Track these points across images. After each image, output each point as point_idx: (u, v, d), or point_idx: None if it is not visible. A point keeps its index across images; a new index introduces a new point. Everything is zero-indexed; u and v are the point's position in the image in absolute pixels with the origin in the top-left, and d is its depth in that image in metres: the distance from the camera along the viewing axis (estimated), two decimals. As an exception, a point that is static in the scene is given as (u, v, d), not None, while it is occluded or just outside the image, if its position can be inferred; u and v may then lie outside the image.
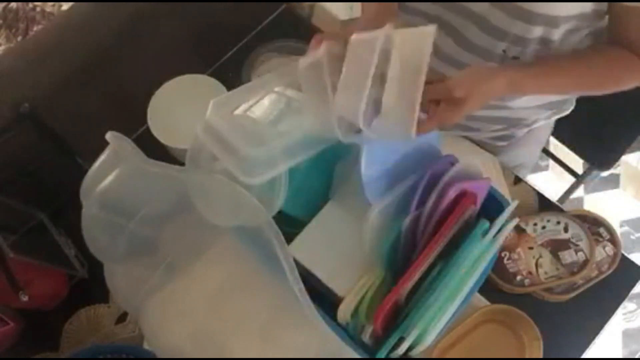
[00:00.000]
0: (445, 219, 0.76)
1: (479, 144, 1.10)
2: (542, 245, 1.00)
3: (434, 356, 0.89)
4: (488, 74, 0.74)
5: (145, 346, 0.94)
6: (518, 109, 1.00)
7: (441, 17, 0.87)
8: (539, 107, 1.02)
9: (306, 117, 0.78)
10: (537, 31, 0.80)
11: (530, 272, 0.98)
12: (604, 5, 0.78)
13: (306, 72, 0.70)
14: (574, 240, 1.00)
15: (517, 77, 0.76)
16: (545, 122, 1.08)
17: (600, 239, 1.02)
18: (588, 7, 0.77)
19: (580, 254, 0.99)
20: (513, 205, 0.82)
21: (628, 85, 0.84)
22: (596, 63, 0.83)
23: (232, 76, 1.13)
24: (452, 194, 0.75)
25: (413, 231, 0.76)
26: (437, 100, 0.70)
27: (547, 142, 1.71)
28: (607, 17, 0.82)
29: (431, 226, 0.76)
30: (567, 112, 1.07)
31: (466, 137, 1.08)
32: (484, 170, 0.84)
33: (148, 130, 1.03)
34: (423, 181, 0.77)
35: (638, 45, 0.80)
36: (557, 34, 0.81)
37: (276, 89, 0.86)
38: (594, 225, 1.03)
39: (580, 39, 0.86)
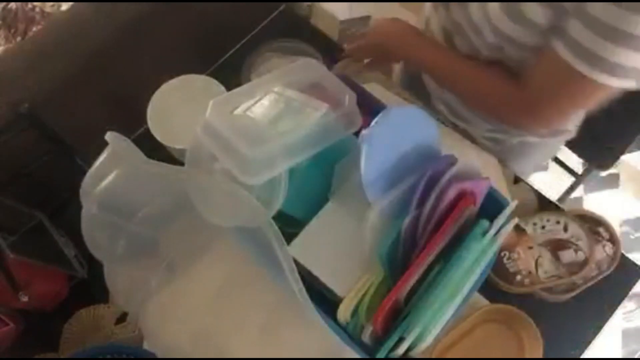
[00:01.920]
0: (445, 218, 0.76)
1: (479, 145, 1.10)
2: (541, 244, 1.00)
3: (434, 356, 0.89)
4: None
5: (145, 346, 0.94)
6: None
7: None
8: None
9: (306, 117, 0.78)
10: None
11: (529, 272, 0.98)
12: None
13: None
14: (573, 240, 1.00)
15: (412, 34, 0.93)
16: (539, 141, 1.08)
17: (600, 239, 1.02)
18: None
19: (579, 253, 0.99)
20: (513, 205, 0.82)
21: (501, 116, 0.93)
22: (484, 81, 0.88)
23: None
24: (451, 194, 0.75)
25: (413, 231, 0.76)
26: None
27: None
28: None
29: (431, 226, 0.76)
30: (568, 138, 1.08)
31: (466, 136, 1.08)
32: (484, 170, 0.84)
33: (148, 130, 1.03)
34: (423, 181, 0.77)
35: (533, 84, 0.81)
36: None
37: (276, 89, 0.86)
38: (593, 224, 1.03)
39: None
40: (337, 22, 2.24)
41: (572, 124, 1.05)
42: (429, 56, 0.93)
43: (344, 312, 0.75)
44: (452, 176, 0.77)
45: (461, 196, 0.77)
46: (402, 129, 0.81)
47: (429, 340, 0.73)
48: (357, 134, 0.84)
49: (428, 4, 1.05)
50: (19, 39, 1.20)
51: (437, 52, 0.93)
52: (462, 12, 0.88)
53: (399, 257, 0.77)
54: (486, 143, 1.10)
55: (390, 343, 0.73)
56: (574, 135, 1.08)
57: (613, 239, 1.02)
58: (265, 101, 0.85)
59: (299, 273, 0.72)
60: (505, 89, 0.85)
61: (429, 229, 0.76)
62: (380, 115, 0.78)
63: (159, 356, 0.88)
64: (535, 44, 0.78)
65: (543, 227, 1.02)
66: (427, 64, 0.94)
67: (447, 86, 0.99)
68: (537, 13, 0.73)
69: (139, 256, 0.84)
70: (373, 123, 0.76)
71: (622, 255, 1.00)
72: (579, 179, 1.62)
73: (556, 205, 1.06)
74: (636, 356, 1.78)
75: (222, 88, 1.05)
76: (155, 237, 0.84)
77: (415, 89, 1.15)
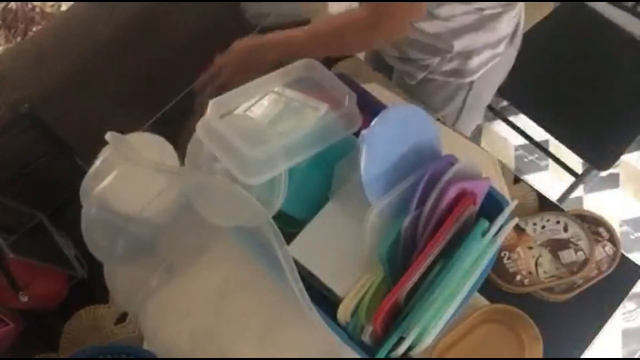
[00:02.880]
0: (445, 218, 0.76)
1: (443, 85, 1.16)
2: (541, 244, 1.00)
3: (434, 356, 0.89)
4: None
5: (145, 346, 0.94)
6: (430, 34, 1.05)
7: None
8: (426, 53, 1.10)
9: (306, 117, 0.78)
10: None
11: (529, 272, 0.98)
12: None
13: None
14: (573, 240, 1.00)
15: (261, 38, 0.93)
16: (444, 79, 1.14)
17: (600, 239, 1.02)
18: None
19: (579, 253, 0.99)
20: (512, 204, 0.82)
21: (359, 44, 0.98)
22: (339, 24, 0.92)
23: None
24: (451, 193, 0.75)
25: (413, 231, 0.76)
26: None
27: (547, 142, 1.72)
28: None
29: (431, 226, 0.76)
30: (477, 74, 1.14)
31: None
32: (483, 170, 0.84)
33: (148, 130, 1.02)
34: (423, 181, 0.77)
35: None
36: None
37: (276, 89, 0.86)
38: (593, 224, 1.03)
39: None
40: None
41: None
42: (290, 35, 0.95)
43: (344, 312, 0.75)
44: (452, 176, 0.77)
45: (461, 196, 0.77)
46: (402, 129, 0.81)
47: (429, 340, 0.72)
48: (357, 134, 0.84)
49: None
50: (19, 39, 1.20)
51: (296, 30, 0.95)
52: None
53: (399, 257, 0.77)
54: (446, 79, 1.16)
55: (390, 343, 0.73)
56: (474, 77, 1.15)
57: (613, 239, 1.02)
58: (265, 101, 0.85)
59: (299, 273, 0.71)
60: (353, 20, 0.91)
61: (429, 229, 0.76)
62: (380, 115, 0.78)
63: (159, 356, 0.88)
64: None
65: (543, 227, 1.02)
66: (295, 42, 0.95)
67: (321, 50, 1.01)
68: None
69: (139, 256, 0.84)
70: (373, 123, 0.76)
71: (622, 255, 1.00)
72: (579, 179, 1.62)
73: (556, 205, 1.06)
74: (636, 356, 1.78)
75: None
76: (155, 237, 0.84)
77: (378, 63, 1.24)
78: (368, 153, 0.75)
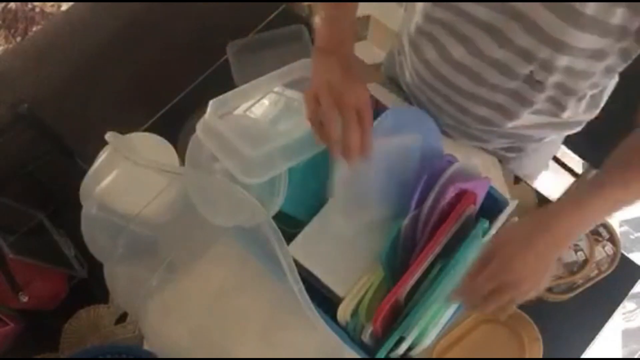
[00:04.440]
0: (445, 218, 0.76)
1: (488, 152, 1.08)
2: (541, 245, 1.00)
3: (434, 356, 0.89)
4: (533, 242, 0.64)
5: (145, 346, 0.94)
6: (522, 127, 0.95)
7: (466, 33, 0.80)
8: (546, 127, 0.97)
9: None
10: (563, 60, 0.75)
11: (530, 272, 0.98)
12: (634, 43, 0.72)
13: None
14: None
15: (574, 221, 0.66)
16: (557, 136, 1.06)
17: (600, 239, 1.02)
18: (614, 44, 0.72)
19: (579, 253, 0.99)
20: (513, 205, 0.82)
21: None
22: None
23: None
24: (450, 193, 0.75)
25: (413, 231, 0.76)
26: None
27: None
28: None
29: (430, 225, 0.76)
30: (579, 129, 1.02)
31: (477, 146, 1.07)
32: (484, 171, 0.84)
33: (148, 130, 1.03)
34: (422, 181, 0.77)
35: None
36: (581, 64, 0.76)
37: (276, 89, 0.86)
38: (593, 224, 1.03)
39: (603, 70, 0.81)
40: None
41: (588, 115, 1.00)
42: (598, 209, 0.70)
43: (344, 312, 0.75)
44: (451, 176, 0.77)
45: (460, 196, 0.77)
46: (403, 130, 0.81)
47: (429, 340, 0.72)
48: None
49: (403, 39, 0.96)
50: (19, 39, 1.20)
51: (595, 198, 0.70)
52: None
53: (398, 257, 0.77)
54: (500, 152, 1.07)
55: (390, 343, 0.73)
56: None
57: (613, 239, 1.02)
58: (265, 101, 0.85)
59: (299, 273, 0.71)
60: None
61: (428, 229, 0.76)
62: (381, 116, 0.78)
63: (159, 356, 0.88)
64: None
65: (543, 227, 1.02)
66: (603, 212, 0.73)
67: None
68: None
69: (139, 256, 0.84)
70: (375, 124, 0.76)
71: (622, 255, 1.00)
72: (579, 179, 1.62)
73: (556, 205, 1.05)
74: (636, 356, 1.78)
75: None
76: (155, 237, 0.84)
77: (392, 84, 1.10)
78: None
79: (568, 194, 0.72)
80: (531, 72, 0.79)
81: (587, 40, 0.70)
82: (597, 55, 0.74)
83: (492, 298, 0.63)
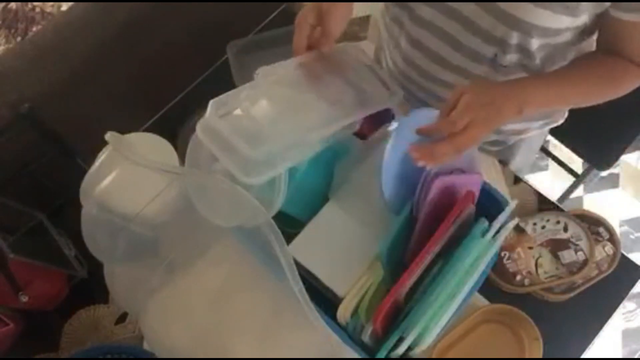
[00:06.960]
0: (432, 214, 0.76)
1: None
2: (541, 245, 1.00)
3: (434, 356, 0.89)
4: (492, 97, 0.70)
5: (145, 346, 0.94)
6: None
7: (431, 19, 0.86)
8: (530, 119, 1.02)
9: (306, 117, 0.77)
10: (515, 37, 0.80)
11: (529, 272, 0.98)
12: (593, 22, 0.78)
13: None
14: (573, 240, 1.00)
15: (526, 93, 0.73)
16: (539, 131, 1.08)
17: (600, 239, 1.02)
18: (573, 22, 0.77)
19: (579, 253, 0.99)
20: (512, 204, 0.82)
21: (626, 92, 0.85)
22: (599, 73, 0.83)
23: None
24: (435, 187, 0.75)
25: (411, 230, 0.76)
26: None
27: (547, 142, 1.71)
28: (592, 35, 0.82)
29: (420, 222, 0.76)
30: (560, 123, 1.07)
31: None
32: (484, 171, 0.84)
33: (148, 130, 1.03)
34: (422, 179, 0.77)
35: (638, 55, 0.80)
36: (534, 44, 0.81)
37: (276, 89, 0.86)
38: (593, 224, 1.03)
39: (562, 53, 0.86)
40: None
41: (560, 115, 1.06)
42: (543, 90, 0.78)
43: (344, 312, 0.75)
44: (437, 170, 0.77)
45: (448, 190, 0.77)
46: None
47: (429, 340, 0.72)
48: (357, 134, 0.84)
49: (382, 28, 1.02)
50: (19, 39, 1.20)
51: (546, 81, 0.80)
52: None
53: (398, 257, 0.77)
54: (483, 147, 1.10)
55: (390, 343, 0.73)
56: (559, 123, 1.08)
57: (613, 239, 1.02)
58: (266, 101, 0.85)
59: (299, 273, 0.71)
60: (619, 69, 0.83)
61: (419, 226, 0.76)
62: (401, 120, 0.78)
63: (159, 356, 0.88)
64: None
65: (543, 227, 1.02)
66: (550, 98, 0.80)
67: (577, 102, 0.89)
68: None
69: (139, 256, 0.84)
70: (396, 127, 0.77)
71: (622, 255, 1.01)
72: (579, 179, 1.62)
73: (556, 205, 1.06)
74: (636, 356, 1.78)
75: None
76: (155, 237, 0.84)
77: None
78: (387, 168, 0.74)
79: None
80: (495, 55, 0.84)
81: (544, 17, 0.75)
82: (552, 33, 0.79)
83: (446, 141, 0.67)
